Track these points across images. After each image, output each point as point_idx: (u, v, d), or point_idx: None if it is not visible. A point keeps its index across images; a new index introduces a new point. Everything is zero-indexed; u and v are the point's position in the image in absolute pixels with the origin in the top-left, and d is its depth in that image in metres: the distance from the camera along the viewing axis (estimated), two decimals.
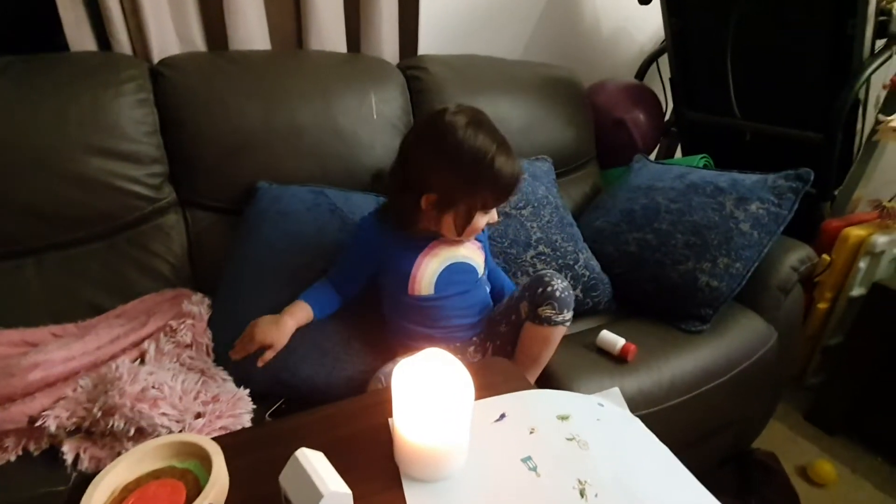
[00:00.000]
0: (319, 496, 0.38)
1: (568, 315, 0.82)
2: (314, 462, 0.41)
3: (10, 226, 0.91)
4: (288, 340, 0.82)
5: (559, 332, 0.84)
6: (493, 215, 0.84)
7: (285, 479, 0.41)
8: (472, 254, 0.89)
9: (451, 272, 0.86)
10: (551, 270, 0.87)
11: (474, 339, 0.92)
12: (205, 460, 0.47)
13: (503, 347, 0.91)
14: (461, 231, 0.82)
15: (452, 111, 0.79)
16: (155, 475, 0.46)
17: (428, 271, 0.85)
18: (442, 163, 0.78)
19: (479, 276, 0.90)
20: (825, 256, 1.30)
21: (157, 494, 0.44)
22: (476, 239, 0.90)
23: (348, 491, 0.40)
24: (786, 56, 1.31)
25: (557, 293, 0.80)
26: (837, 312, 1.37)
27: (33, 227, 0.92)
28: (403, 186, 0.82)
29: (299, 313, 0.84)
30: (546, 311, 0.80)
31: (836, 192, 1.35)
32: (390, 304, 0.90)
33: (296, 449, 0.43)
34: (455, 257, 0.87)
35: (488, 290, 0.96)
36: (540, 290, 0.81)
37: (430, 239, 0.86)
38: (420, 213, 0.82)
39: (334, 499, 0.39)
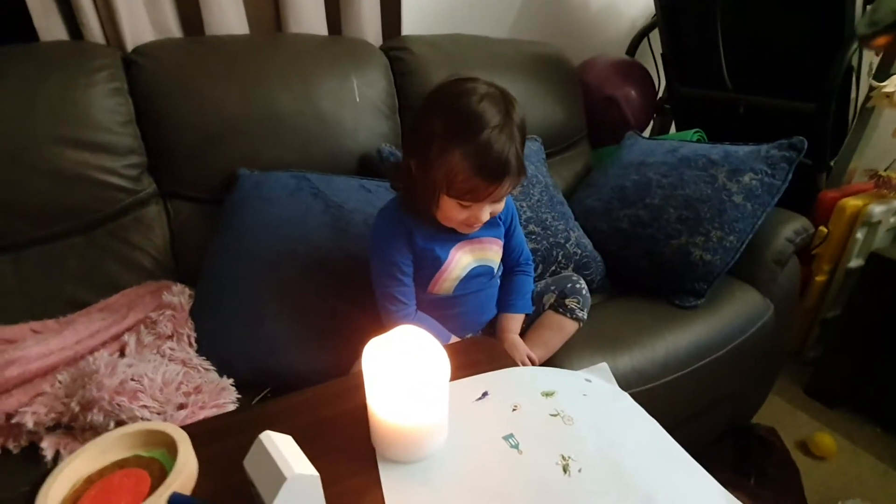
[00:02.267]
0: (283, 479, 0.36)
1: (585, 315, 0.91)
2: (279, 445, 0.39)
3: None
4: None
5: (574, 326, 0.91)
6: (478, 213, 0.72)
7: (250, 463, 0.39)
8: (495, 255, 0.86)
9: (471, 276, 0.84)
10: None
11: (479, 331, 0.91)
12: (172, 449, 0.45)
13: None
14: (441, 216, 0.74)
15: (479, 79, 0.71)
16: (120, 465, 0.45)
17: (451, 276, 0.82)
18: (433, 114, 0.69)
19: (495, 273, 0.88)
20: (822, 228, 1.28)
21: (121, 484, 0.42)
22: (495, 237, 0.85)
23: (315, 473, 0.39)
24: (776, 25, 1.27)
25: (584, 291, 0.92)
26: (835, 284, 1.35)
27: (7, 223, 0.89)
28: (403, 153, 0.77)
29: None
30: (572, 303, 0.90)
31: (832, 163, 1.33)
32: None
33: None
34: (479, 260, 0.84)
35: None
36: (569, 285, 0.92)
37: (452, 239, 0.80)
38: (415, 185, 0.74)
39: (299, 481, 0.37)
